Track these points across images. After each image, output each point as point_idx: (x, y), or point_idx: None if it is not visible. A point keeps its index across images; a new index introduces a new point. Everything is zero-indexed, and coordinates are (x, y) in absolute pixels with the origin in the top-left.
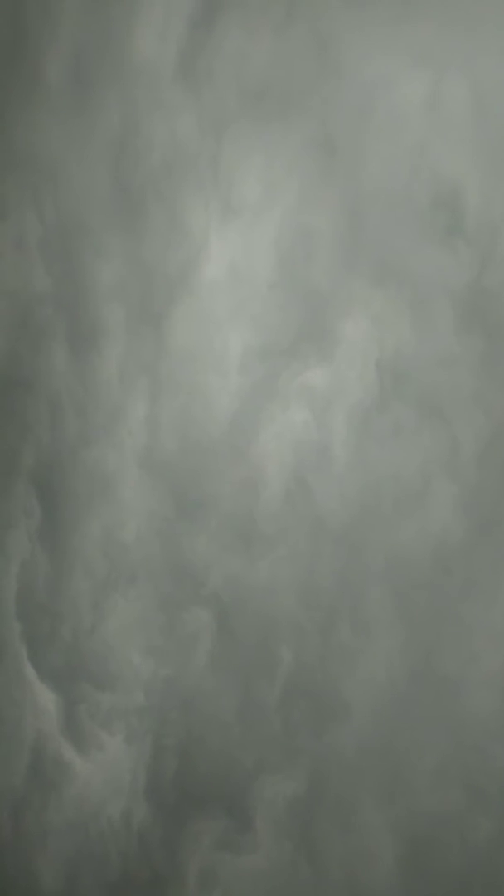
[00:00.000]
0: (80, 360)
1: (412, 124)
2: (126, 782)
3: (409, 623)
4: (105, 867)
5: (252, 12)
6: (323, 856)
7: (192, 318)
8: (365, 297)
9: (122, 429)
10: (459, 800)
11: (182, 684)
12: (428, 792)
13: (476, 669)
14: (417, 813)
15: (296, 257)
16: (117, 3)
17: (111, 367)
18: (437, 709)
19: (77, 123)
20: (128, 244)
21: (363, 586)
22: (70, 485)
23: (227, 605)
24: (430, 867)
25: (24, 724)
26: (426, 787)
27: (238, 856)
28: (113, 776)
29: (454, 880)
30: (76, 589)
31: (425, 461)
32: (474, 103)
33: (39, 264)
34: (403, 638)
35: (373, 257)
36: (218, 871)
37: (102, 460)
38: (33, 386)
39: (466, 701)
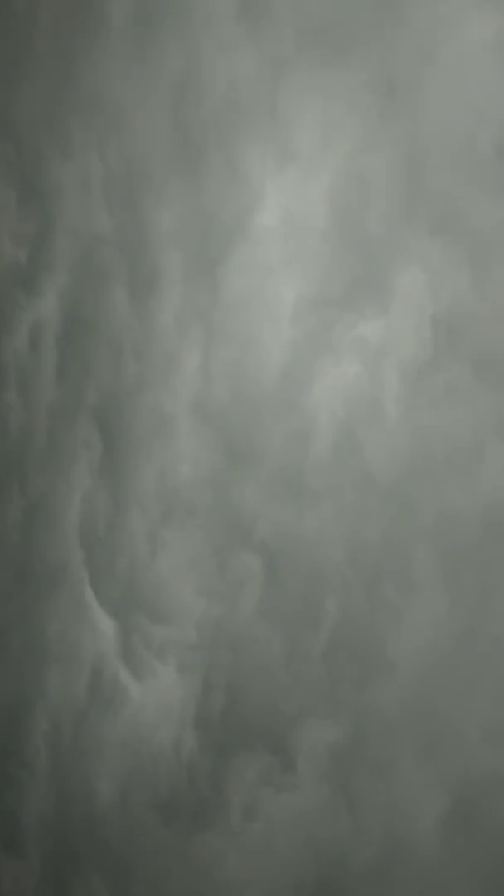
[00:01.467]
0: (138, 304)
1: (477, 68)
2: (177, 712)
3: (457, 584)
4: (155, 788)
5: None
6: (361, 805)
7: (245, 266)
8: (422, 249)
9: (177, 376)
10: None
11: (231, 627)
12: (473, 753)
13: None
14: (460, 773)
15: (351, 205)
16: None
17: (168, 314)
18: (485, 670)
19: (139, 66)
20: (187, 189)
21: (410, 545)
22: (128, 426)
23: (275, 554)
24: (472, 827)
25: (85, 644)
26: (471, 748)
27: (279, 793)
28: (165, 704)
29: (497, 841)
30: (132, 525)
31: (479, 421)
32: None
33: (103, 206)
34: (450, 599)
35: (431, 207)
36: (260, 805)
37: (158, 405)
38: (95, 327)
39: None
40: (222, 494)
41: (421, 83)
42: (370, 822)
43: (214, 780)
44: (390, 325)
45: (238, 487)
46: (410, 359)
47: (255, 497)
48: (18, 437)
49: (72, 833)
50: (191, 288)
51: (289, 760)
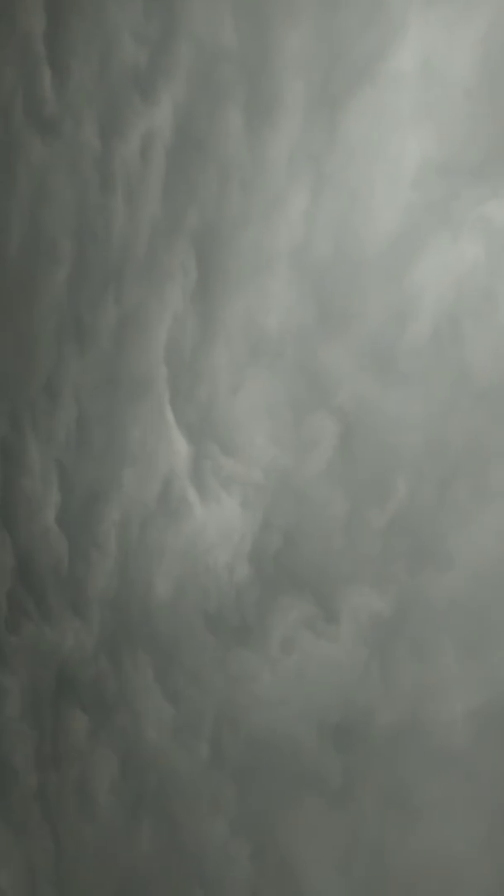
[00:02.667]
0: (253, 131)
1: None
2: (234, 540)
3: None
4: (205, 599)
5: None
6: (394, 676)
7: (371, 112)
8: None
9: (280, 218)
10: None
11: (296, 480)
12: None
13: None
14: (498, 676)
15: None
16: None
17: (281, 149)
18: None
19: None
20: (322, 12)
21: (494, 452)
22: (224, 258)
23: (352, 421)
24: (500, 729)
25: (160, 455)
26: None
27: (319, 638)
28: (224, 531)
29: None
30: (216, 357)
31: None
32: None
33: (230, 16)
34: None
35: None
36: (298, 643)
37: (257, 244)
38: (205, 147)
39: None
40: (308, 351)
41: None
42: (400, 692)
43: (259, 609)
44: None
45: (326, 348)
46: None
47: (341, 361)
48: (119, 245)
49: (129, 612)
50: (308, 125)
51: (332, 614)
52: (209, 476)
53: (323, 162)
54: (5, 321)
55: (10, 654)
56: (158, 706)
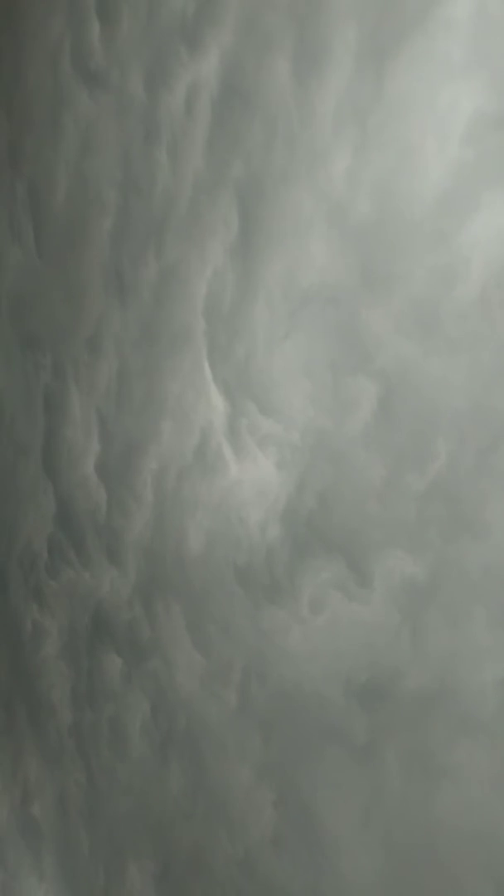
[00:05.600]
0: (299, 83)
1: None
2: (269, 499)
3: None
4: (237, 552)
5: None
6: (425, 640)
7: (421, 62)
8: None
9: (323, 175)
10: None
11: (334, 442)
12: None
13: None
14: None
15: None
16: None
17: (328, 102)
18: None
19: None
20: None
21: None
22: (267, 215)
23: (393, 385)
24: None
25: (199, 410)
26: None
27: (350, 601)
28: (259, 489)
29: None
30: (255, 315)
31: None
32: None
33: None
34: None
35: None
36: (328, 603)
37: (299, 202)
38: (250, 99)
39: None
40: (349, 312)
41: None
42: (430, 657)
43: (290, 568)
44: None
45: (367, 309)
46: None
47: (383, 324)
48: (162, 199)
49: (163, 561)
50: (356, 76)
51: (365, 578)
52: (245, 434)
53: (369, 116)
54: (54, 271)
55: (49, 596)
56: (189, 654)
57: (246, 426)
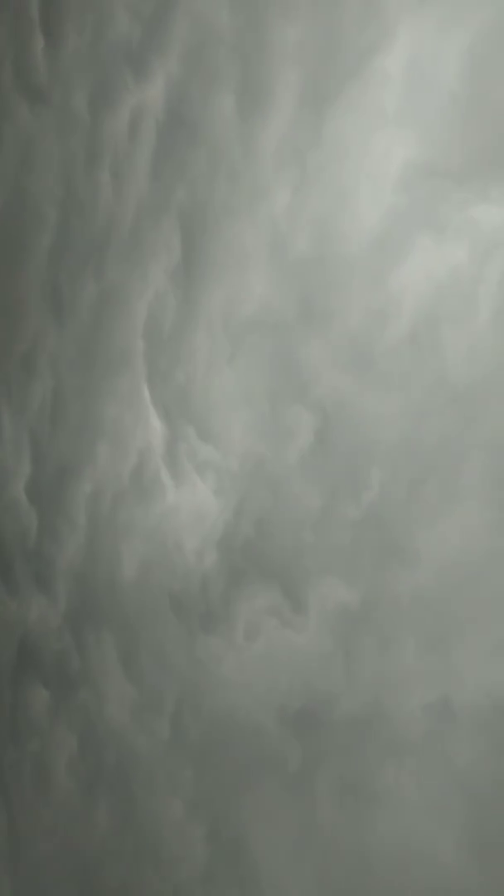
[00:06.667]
0: (244, 118)
1: None
2: (206, 526)
3: (501, 506)
4: (172, 579)
5: None
6: (358, 668)
7: (357, 110)
8: None
9: (265, 210)
10: None
11: (272, 470)
12: (469, 663)
13: None
14: (455, 671)
15: (492, 70)
16: None
17: (270, 139)
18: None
19: None
20: (319, 4)
21: (466, 456)
22: (208, 243)
23: (329, 416)
24: (453, 730)
25: (136, 433)
26: (468, 658)
27: (284, 627)
28: (196, 515)
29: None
30: (195, 341)
31: None
32: None
33: (225, 1)
34: (490, 519)
35: None
36: (263, 631)
37: (241, 234)
38: (196, 129)
39: None
40: (288, 344)
41: None
42: (363, 684)
43: (226, 595)
44: None
45: (304, 342)
46: None
47: (319, 357)
48: (104, 219)
49: (95, 588)
50: (297, 119)
51: (300, 604)
52: (184, 459)
53: (308, 157)
54: None
55: None
56: (120, 685)
57: (185, 451)
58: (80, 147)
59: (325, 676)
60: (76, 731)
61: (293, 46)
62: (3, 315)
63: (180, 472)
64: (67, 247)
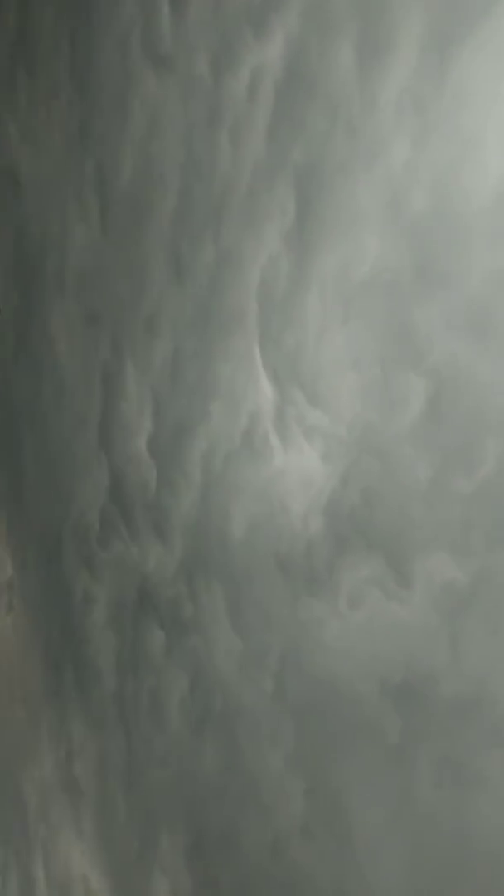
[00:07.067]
0: (364, 71)
1: None
2: (312, 491)
3: None
4: (278, 540)
5: None
6: (465, 649)
7: (485, 54)
8: None
9: (382, 168)
10: None
11: (381, 438)
12: None
13: None
14: None
15: None
16: None
17: (391, 91)
18: None
19: None
20: None
21: None
22: (323, 204)
23: (444, 383)
24: None
25: (248, 395)
26: None
27: (388, 600)
28: (303, 480)
29: None
30: (307, 304)
31: None
32: None
33: None
34: None
35: None
36: (367, 601)
37: (354, 194)
38: (314, 85)
39: None
40: (402, 307)
41: None
42: (468, 665)
43: (330, 562)
44: None
45: (420, 306)
46: None
47: (435, 321)
48: (222, 182)
49: (207, 542)
50: (420, 67)
51: (405, 578)
52: (292, 423)
53: (430, 107)
54: (117, 250)
55: (99, 566)
56: (227, 636)
57: (293, 415)
58: (202, 111)
59: (428, 653)
60: (188, 673)
61: None
62: (131, 277)
63: (288, 435)
64: (188, 211)
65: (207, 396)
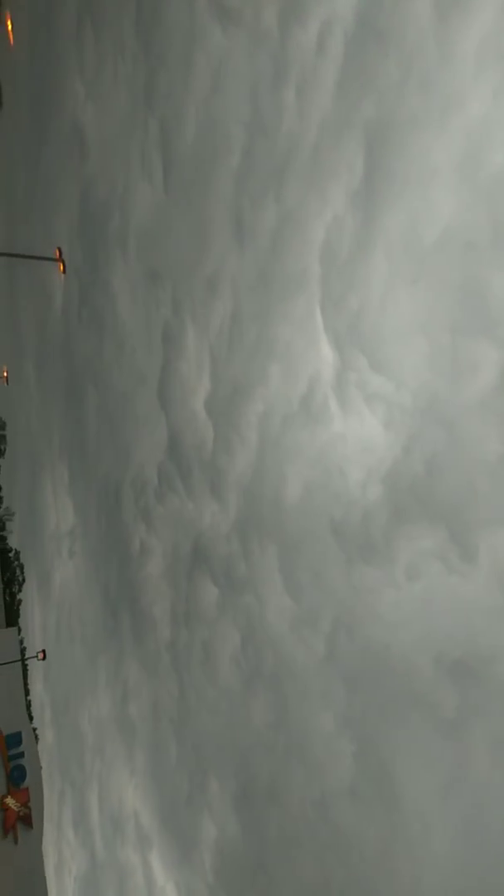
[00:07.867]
0: (442, 21)
1: None
2: (372, 459)
3: None
4: (334, 505)
5: None
6: None
7: None
8: None
9: (458, 122)
10: None
11: (448, 409)
12: None
13: None
14: None
15: None
16: None
17: (472, 41)
18: None
19: None
20: None
21: None
22: (393, 161)
23: None
24: None
25: (308, 359)
26: None
27: (450, 574)
28: (363, 447)
29: None
30: (373, 266)
31: None
32: None
33: None
34: None
35: None
36: (426, 574)
37: (427, 150)
38: (387, 36)
39: None
40: (475, 271)
41: None
42: None
43: (388, 531)
44: None
45: (496, 271)
46: None
47: None
48: (286, 141)
49: (262, 504)
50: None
51: (469, 553)
52: (353, 389)
53: None
54: (179, 209)
55: (156, 519)
56: (280, 596)
57: (355, 380)
58: (268, 66)
59: (491, 632)
60: (240, 629)
61: None
62: (194, 236)
63: (349, 401)
64: (252, 169)
65: (266, 359)
